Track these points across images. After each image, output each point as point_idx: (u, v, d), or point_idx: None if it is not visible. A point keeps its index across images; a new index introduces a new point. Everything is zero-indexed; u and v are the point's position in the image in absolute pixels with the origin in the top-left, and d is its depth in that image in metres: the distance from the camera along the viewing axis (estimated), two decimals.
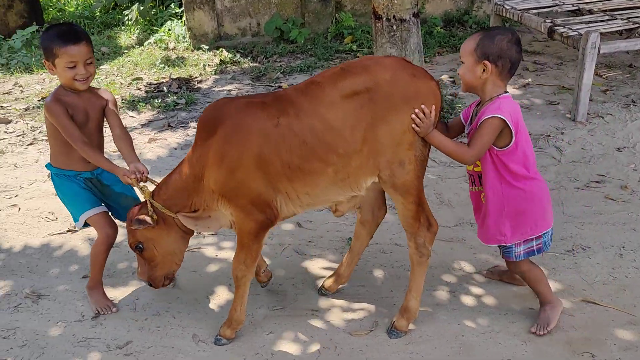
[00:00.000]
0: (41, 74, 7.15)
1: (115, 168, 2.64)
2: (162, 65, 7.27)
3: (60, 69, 2.65)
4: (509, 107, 2.44)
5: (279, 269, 3.20)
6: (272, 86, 6.27)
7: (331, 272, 3.03)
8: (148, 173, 2.63)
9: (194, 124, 5.40)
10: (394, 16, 4.73)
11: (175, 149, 4.94)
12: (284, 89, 2.60)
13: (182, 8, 7.77)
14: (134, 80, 6.85)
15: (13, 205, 4.13)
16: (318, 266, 3.23)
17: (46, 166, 2.97)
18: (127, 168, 2.65)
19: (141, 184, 2.63)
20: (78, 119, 2.73)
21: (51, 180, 3.00)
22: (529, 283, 2.72)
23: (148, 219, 2.53)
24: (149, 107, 5.97)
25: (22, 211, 4.04)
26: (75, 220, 2.92)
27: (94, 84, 2.98)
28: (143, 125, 5.53)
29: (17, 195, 4.29)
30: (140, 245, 2.65)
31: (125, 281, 3.18)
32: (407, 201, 2.49)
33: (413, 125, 2.35)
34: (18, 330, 2.85)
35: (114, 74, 7.25)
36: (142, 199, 2.77)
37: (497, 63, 2.41)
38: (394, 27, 4.82)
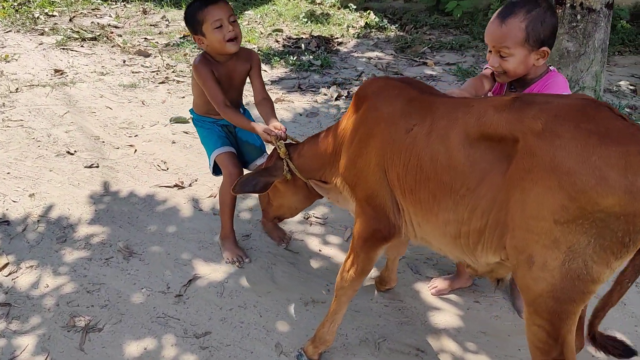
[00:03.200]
0: None
1: (255, 126, 2.53)
2: (306, 20, 6.94)
3: (209, 34, 2.54)
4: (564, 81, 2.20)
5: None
6: (416, 61, 5.70)
7: (449, 308, 2.55)
8: (286, 130, 2.50)
9: (325, 90, 5.02)
10: (581, 3, 3.94)
11: (301, 114, 4.60)
12: (449, 92, 2.09)
13: None
14: (274, 31, 6.58)
15: (130, 146, 4.04)
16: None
17: (189, 111, 2.97)
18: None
19: (279, 143, 2.47)
20: (222, 82, 2.68)
21: (192, 123, 2.99)
22: None
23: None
24: (283, 63, 5.66)
25: (137, 154, 3.93)
26: (209, 158, 2.86)
27: None
28: (273, 82, 5.25)
29: (137, 135, 4.20)
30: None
31: (218, 258, 2.91)
32: (531, 318, 1.60)
33: None
34: (103, 287, 2.69)
35: (256, 22, 7.04)
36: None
37: (551, 42, 2.11)
38: (578, 16, 4.03)
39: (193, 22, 2.55)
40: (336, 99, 4.81)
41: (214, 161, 2.79)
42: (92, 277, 2.76)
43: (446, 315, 2.55)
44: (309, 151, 2.38)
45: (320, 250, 2.99)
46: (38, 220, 3.18)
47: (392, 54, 5.89)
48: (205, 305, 2.59)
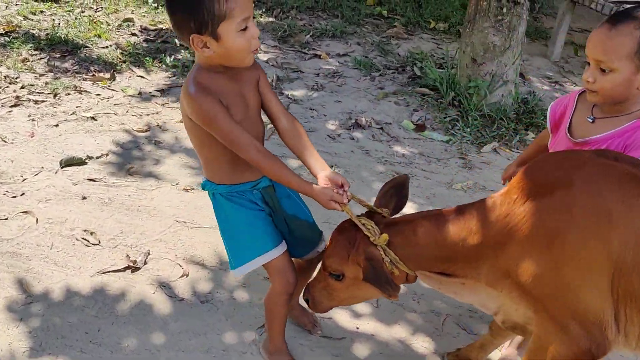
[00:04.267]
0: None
1: (310, 187, 1.77)
2: (155, 5, 5.88)
3: (230, 38, 1.67)
4: None
5: (442, 350, 2.42)
6: (305, 52, 5.22)
7: None
8: (349, 187, 1.81)
9: None
10: None
11: None
12: None
13: None
14: (124, 21, 5.44)
15: (25, 212, 2.93)
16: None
17: (202, 186, 2.02)
18: (319, 182, 1.81)
19: (365, 221, 1.82)
20: (236, 110, 1.80)
21: (212, 201, 2.04)
22: None
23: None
24: (159, 64, 4.71)
25: (42, 224, 2.87)
26: (240, 263, 2.01)
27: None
28: (161, 93, 4.32)
29: (22, 194, 3.07)
30: (339, 277, 1.88)
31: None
32: None
33: None
34: None
35: (90, 7, 5.75)
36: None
37: None
38: (504, 9, 4.12)
39: (203, 15, 1.62)
40: None
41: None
42: None
43: None
44: (426, 238, 1.79)
45: (357, 328, 2.50)
46: None
47: (275, 46, 5.30)
48: None
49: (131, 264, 2.66)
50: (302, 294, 2.10)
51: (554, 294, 1.60)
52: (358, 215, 1.85)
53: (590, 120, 1.91)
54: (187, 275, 2.64)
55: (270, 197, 2.02)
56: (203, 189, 2.04)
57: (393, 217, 1.93)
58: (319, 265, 2.02)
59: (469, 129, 4.18)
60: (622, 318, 1.59)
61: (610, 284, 1.54)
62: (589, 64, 1.81)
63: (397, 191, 1.97)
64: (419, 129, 4.18)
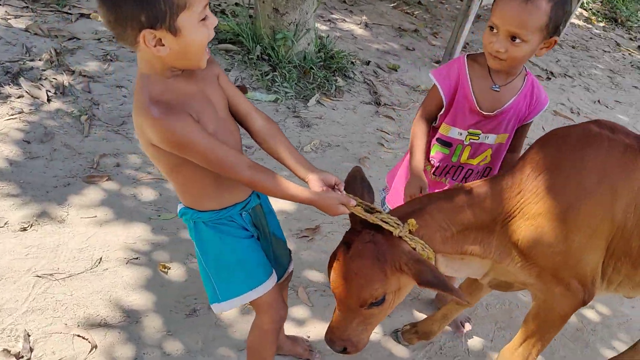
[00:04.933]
0: None
1: (314, 195, 1.52)
2: None
3: (191, 31, 1.35)
4: None
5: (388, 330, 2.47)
6: (66, 13, 4.29)
7: None
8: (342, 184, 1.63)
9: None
10: None
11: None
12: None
13: None
14: None
15: None
16: None
17: (181, 214, 1.68)
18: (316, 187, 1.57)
19: (381, 216, 1.61)
20: (207, 118, 1.48)
21: (193, 232, 1.68)
22: None
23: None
24: None
25: None
26: (227, 297, 1.69)
27: None
28: None
29: None
30: (382, 300, 1.64)
31: None
32: None
33: None
34: None
35: None
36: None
37: (559, 32, 1.85)
38: None
39: (159, 5, 1.28)
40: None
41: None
42: None
43: None
44: (445, 220, 1.70)
45: (309, 337, 2.36)
46: None
47: (26, 7, 4.20)
48: None
49: (9, 349, 1.99)
50: (332, 345, 1.73)
51: (562, 260, 1.71)
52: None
53: (497, 89, 1.96)
54: (96, 347, 2.10)
55: (258, 217, 1.75)
56: (180, 217, 1.66)
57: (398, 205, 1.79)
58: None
59: (287, 84, 4.08)
60: (610, 269, 1.80)
61: (608, 245, 1.73)
62: (491, 28, 1.80)
63: (362, 183, 1.75)
64: (242, 91, 3.90)
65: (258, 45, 4.23)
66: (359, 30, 5.42)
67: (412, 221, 1.63)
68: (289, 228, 2.87)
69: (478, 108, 1.96)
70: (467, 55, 2.01)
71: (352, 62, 4.67)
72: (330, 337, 1.71)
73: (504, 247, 1.76)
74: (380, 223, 1.59)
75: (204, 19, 1.37)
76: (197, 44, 1.38)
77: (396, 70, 4.85)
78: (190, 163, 1.47)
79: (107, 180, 2.89)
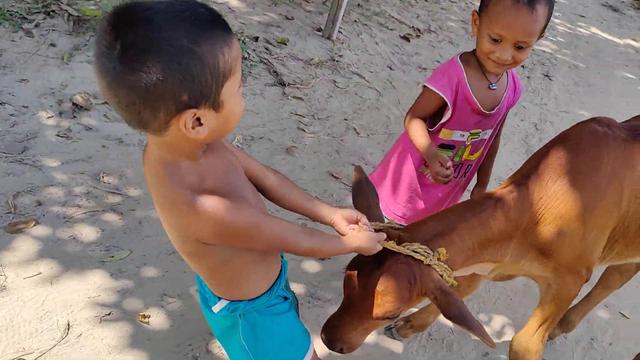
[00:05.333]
0: None
1: (354, 241, 1.47)
2: None
3: (232, 102, 1.15)
4: None
5: None
6: None
7: None
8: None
9: None
10: None
11: None
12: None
13: None
14: None
15: None
16: None
17: (225, 311, 1.44)
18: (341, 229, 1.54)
19: (412, 247, 1.61)
20: (247, 193, 1.36)
21: (238, 329, 1.48)
22: None
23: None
24: None
25: None
26: None
27: None
28: None
29: None
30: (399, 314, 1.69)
31: None
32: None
33: None
34: None
35: None
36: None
37: None
38: None
39: (205, 79, 1.07)
40: None
41: None
42: None
43: None
44: (471, 239, 1.72)
45: None
46: None
47: None
48: None
49: None
50: (332, 345, 1.71)
51: (578, 255, 1.86)
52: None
53: (495, 88, 2.06)
54: None
55: (285, 276, 1.60)
56: (230, 313, 1.44)
57: (409, 224, 1.78)
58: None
59: None
60: (606, 249, 2.00)
61: (609, 232, 1.91)
62: (496, 41, 1.85)
63: (368, 186, 1.75)
64: None
65: None
66: (233, 2, 5.13)
67: (442, 250, 1.65)
68: None
69: (482, 109, 2.00)
70: (460, 57, 2.02)
71: (242, 41, 4.43)
72: (330, 337, 1.70)
73: (521, 249, 1.85)
74: (411, 254, 1.60)
75: (239, 87, 1.18)
76: (236, 116, 1.20)
77: (285, 44, 4.71)
78: (241, 251, 1.32)
79: (34, 225, 2.46)
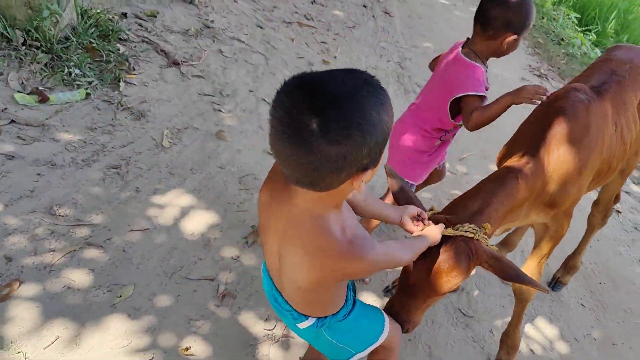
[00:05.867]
0: None
1: (426, 238, 1.71)
2: None
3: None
4: None
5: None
6: None
7: None
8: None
9: None
10: None
11: None
12: (621, 73, 2.45)
13: None
14: None
15: None
16: None
17: (315, 327, 1.58)
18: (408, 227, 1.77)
19: (463, 228, 1.89)
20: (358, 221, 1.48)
21: (324, 336, 1.63)
22: None
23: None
24: None
25: None
26: (365, 346, 1.72)
27: None
28: None
29: None
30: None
31: None
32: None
33: None
34: None
35: None
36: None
37: None
38: None
39: (384, 141, 1.16)
40: None
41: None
42: None
43: None
44: (502, 209, 2.00)
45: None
46: None
47: None
48: None
49: None
50: (406, 326, 1.90)
51: (574, 200, 2.30)
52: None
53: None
54: None
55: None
56: (317, 328, 1.60)
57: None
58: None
59: (86, 71, 3.39)
60: None
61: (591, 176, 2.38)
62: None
63: (401, 185, 1.95)
64: (42, 99, 3.11)
65: (17, 30, 3.29)
66: None
67: (487, 226, 1.93)
68: None
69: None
70: (470, 57, 2.32)
71: (112, 20, 4.03)
72: (399, 320, 1.90)
73: (532, 207, 2.22)
74: (464, 234, 1.86)
75: None
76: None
77: (156, 17, 4.39)
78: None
79: (20, 286, 2.18)
